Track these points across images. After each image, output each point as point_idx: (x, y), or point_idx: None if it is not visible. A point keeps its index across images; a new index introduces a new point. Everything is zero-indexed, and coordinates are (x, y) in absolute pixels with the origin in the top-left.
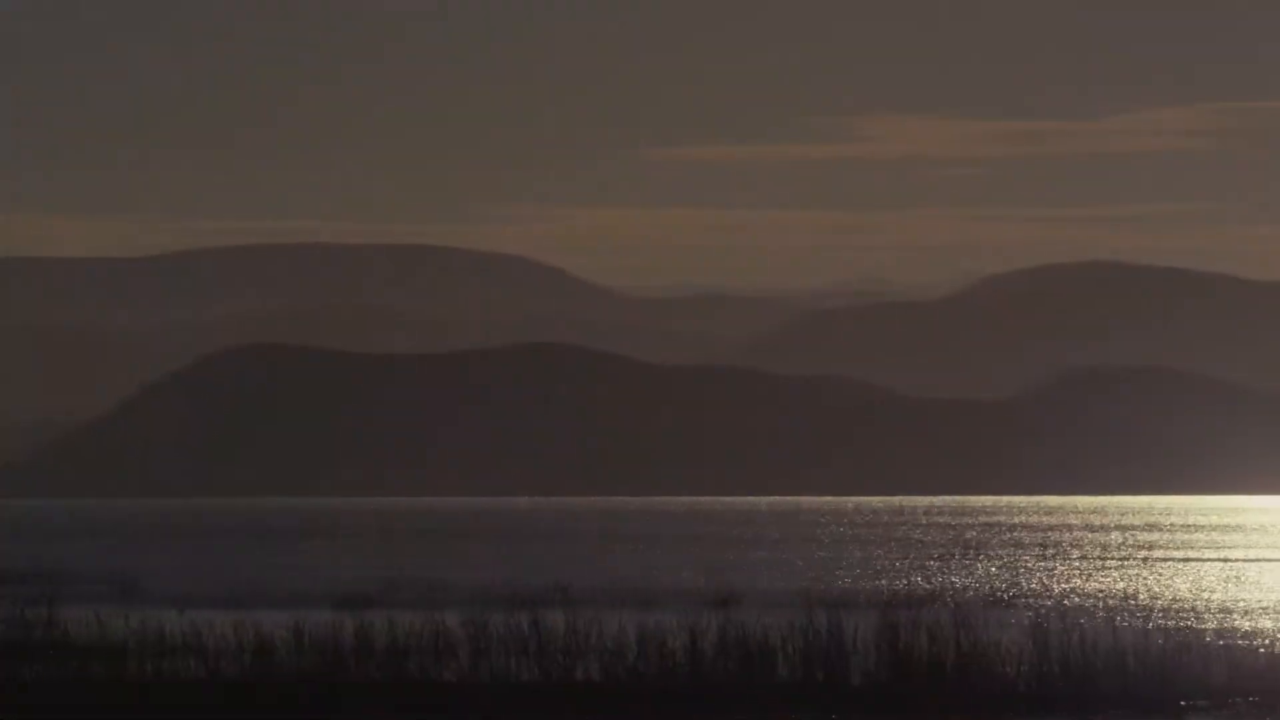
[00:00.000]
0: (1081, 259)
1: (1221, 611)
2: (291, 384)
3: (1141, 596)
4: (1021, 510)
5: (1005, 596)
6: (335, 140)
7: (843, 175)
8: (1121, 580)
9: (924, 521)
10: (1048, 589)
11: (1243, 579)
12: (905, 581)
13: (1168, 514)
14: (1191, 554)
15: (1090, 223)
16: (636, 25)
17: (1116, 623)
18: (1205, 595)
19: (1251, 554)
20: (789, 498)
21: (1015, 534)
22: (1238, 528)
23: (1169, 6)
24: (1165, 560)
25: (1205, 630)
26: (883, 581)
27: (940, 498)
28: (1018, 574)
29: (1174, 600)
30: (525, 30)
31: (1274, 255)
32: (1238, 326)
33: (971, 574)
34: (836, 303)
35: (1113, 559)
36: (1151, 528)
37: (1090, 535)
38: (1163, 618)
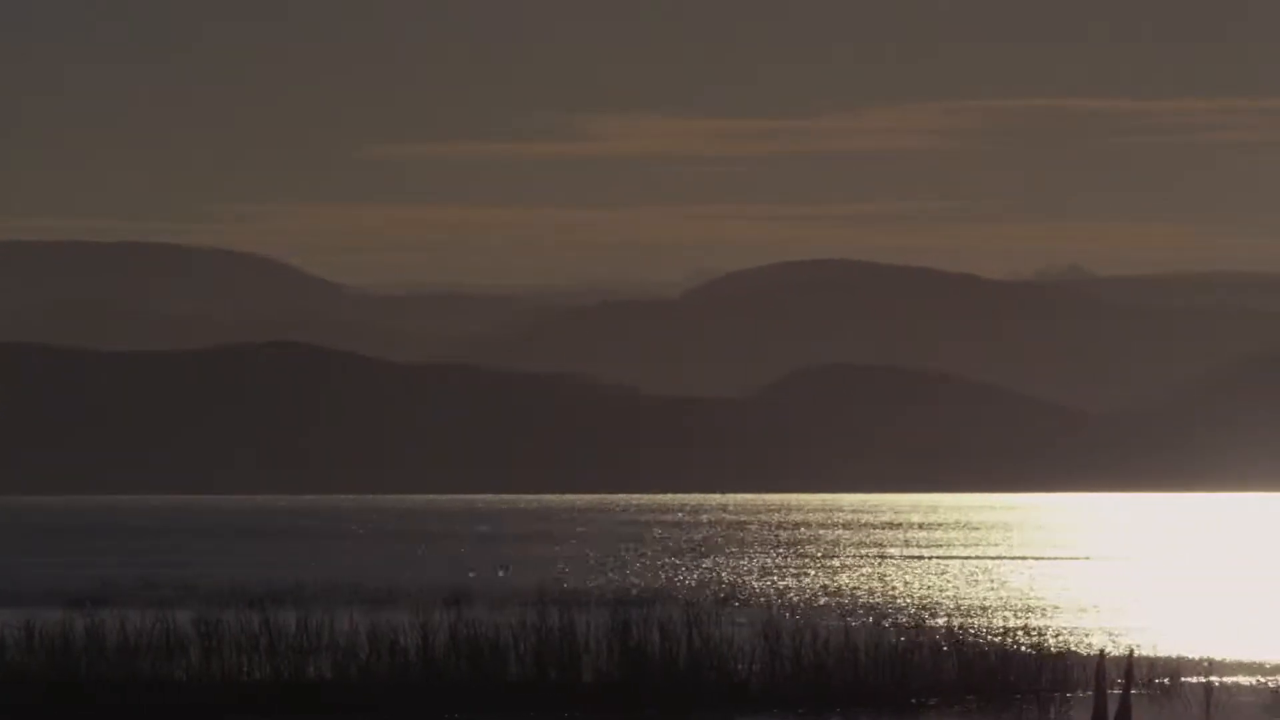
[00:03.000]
0: (819, 257)
1: (954, 610)
2: (36, 383)
3: (875, 594)
4: (758, 509)
5: (738, 594)
6: (75, 138)
7: (574, 173)
8: (856, 578)
9: (659, 519)
10: (781, 587)
11: (976, 577)
12: (639, 579)
13: (904, 512)
14: (926, 552)
15: (828, 221)
16: (368, 23)
17: (849, 621)
18: (939, 593)
19: (984, 552)
20: (523, 495)
21: (750, 532)
22: (972, 525)
23: (906, 3)
24: (899, 558)
25: (937, 628)
26: (616, 579)
27: (677, 495)
28: (751, 572)
29: (908, 598)
30: (259, 30)
31: (1014, 254)
32: (978, 325)
33: (705, 572)
34: (572, 301)
35: (847, 557)
36: (888, 526)
37: (825, 533)
38: (896, 616)
